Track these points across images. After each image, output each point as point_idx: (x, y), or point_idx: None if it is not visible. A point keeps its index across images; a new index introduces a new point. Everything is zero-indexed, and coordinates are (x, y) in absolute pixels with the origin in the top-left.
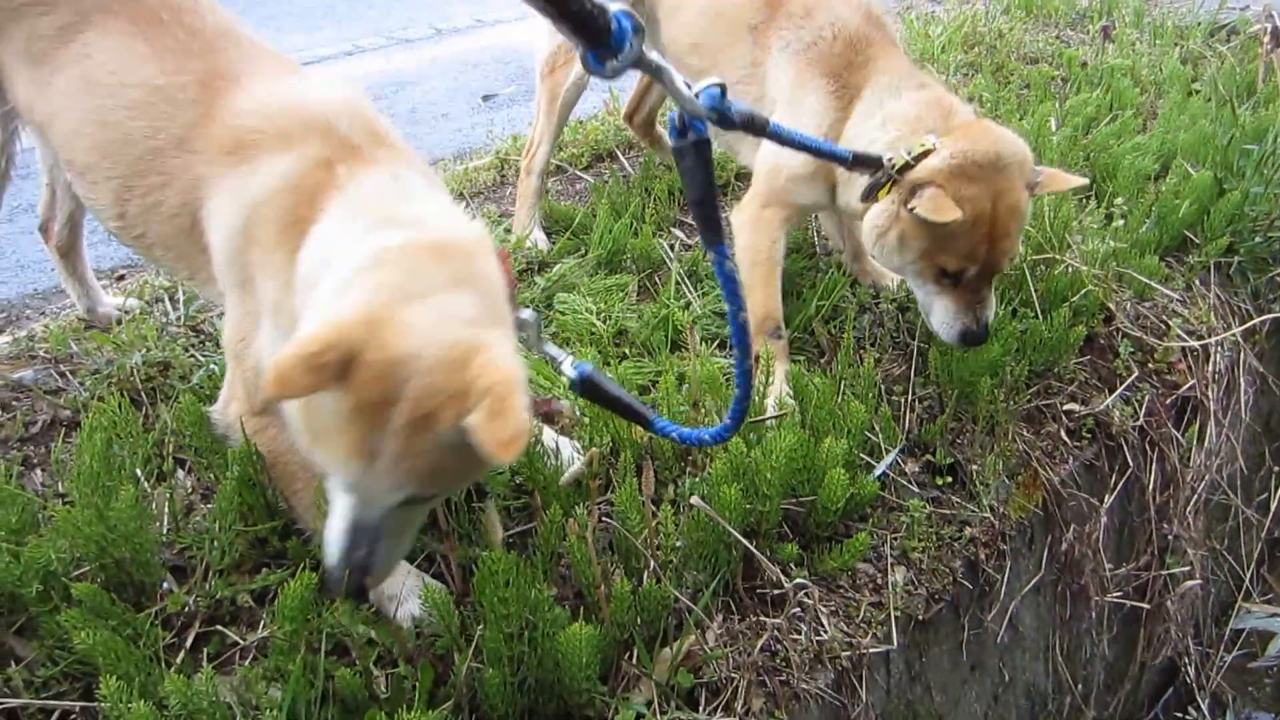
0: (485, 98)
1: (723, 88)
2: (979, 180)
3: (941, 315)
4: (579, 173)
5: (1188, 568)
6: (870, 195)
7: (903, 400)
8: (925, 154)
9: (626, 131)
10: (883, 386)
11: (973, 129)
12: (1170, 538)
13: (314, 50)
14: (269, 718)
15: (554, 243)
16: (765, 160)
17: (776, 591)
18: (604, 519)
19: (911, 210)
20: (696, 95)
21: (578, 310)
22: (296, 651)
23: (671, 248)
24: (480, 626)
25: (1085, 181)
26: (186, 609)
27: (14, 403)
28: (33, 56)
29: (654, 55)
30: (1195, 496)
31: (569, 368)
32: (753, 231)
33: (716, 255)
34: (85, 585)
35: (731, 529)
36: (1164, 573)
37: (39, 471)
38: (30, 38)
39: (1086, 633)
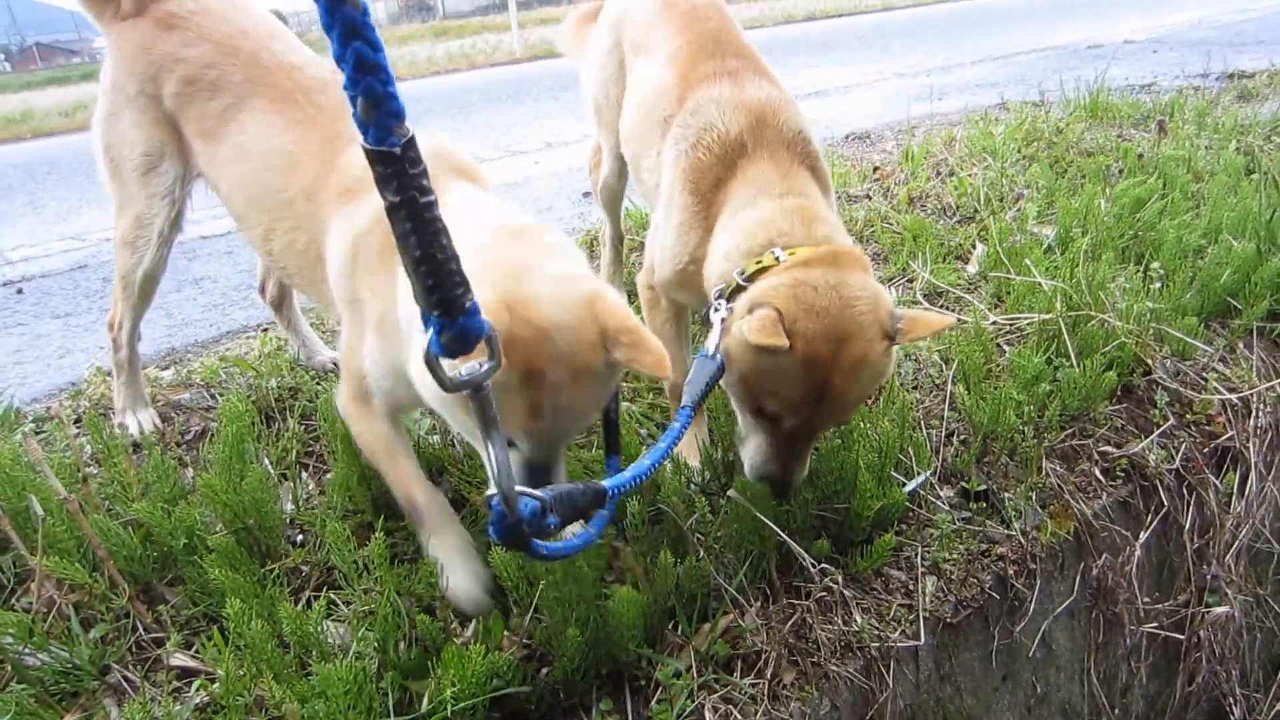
0: (585, 194)
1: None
2: (821, 316)
3: (752, 452)
4: None
5: (1227, 608)
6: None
7: (939, 433)
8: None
9: None
10: (921, 419)
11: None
12: (1209, 578)
13: None
14: (366, 648)
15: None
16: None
17: (811, 586)
18: (656, 519)
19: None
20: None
21: None
22: (386, 598)
23: None
24: (541, 583)
25: (953, 319)
26: (303, 572)
27: (174, 416)
28: (204, 133)
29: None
30: (1236, 541)
31: None
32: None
33: None
34: (220, 538)
35: (764, 518)
36: (1203, 609)
37: (190, 469)
38: (201, 118)
39: (1124, 659)
